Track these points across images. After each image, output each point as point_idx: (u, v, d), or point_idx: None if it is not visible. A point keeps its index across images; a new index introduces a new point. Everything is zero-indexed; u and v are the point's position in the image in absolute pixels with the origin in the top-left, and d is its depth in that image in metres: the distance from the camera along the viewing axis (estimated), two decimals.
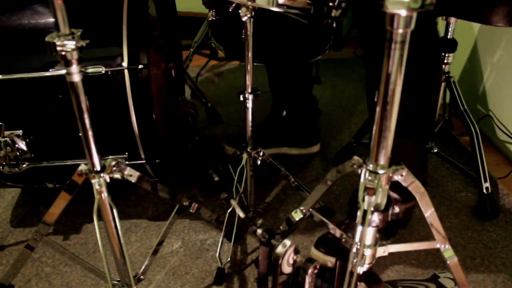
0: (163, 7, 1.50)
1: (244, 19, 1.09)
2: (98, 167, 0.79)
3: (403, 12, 0.54)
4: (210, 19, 1.72)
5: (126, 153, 1.23)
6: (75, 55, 0.67)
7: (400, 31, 0.56)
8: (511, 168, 1.66)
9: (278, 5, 0.94)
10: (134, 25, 1.14)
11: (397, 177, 0.70)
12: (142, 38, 1.15)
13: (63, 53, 0.66)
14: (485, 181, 1.45)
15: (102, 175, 0.80)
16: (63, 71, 0.69)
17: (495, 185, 1.57)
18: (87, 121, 0.74)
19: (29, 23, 1.14)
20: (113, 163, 0.83)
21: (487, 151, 1.61)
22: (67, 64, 0.67)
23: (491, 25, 1.07)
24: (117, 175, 0.85)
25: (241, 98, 1.22)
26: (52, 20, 1.13)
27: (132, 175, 0.91)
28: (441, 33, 1.53)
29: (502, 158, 1.78)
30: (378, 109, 0.63)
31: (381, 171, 0.67)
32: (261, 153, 1.33)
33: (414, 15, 0.55)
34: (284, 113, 1.65)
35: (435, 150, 1.72)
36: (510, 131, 1.75)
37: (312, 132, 1.72)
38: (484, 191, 1.44)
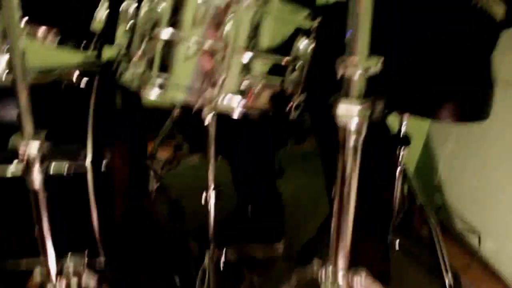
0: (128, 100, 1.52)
1: (206, 119, 1.12)
2: (53, 272, 0.76)
3: (355, 121, 0.58)
4: (175, 115, 1.77)
5: (86, 250, 1.19)
6: (37, 158, 0.68)
7: (353, 138, 0.60)
8: (471, 258, 1.68)
9: (238, 112, 0.96)
10: (99, 121, 1.15)
11: (356, 280, 0.70)
12: (107, 134, 1.17)
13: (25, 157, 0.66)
14: (447, 273, 1.45)
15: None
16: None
17: (457, 278, 1.56)
18: (45, 224, 0.72)
19: None
20: (71, 267, 0.80)
21: (447, 241, 1.63)
22: (29, 168, 0.67)
23: (440, 120, 1.13)
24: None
25: (203, 198, 1.21)
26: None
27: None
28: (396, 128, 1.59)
29: (461, 249, 1.79)
30: (335, 207, 0.65)
31: (340, 273, 0.68)
32: (223, 254, 1.30)
33: (365, 123, 0.59)
34: (249, 209, 1.64)
35: (396, 243, 1.71)
36: (468, 221, 1.79)
37: (276, 228, 1.71)
38: (447, 286, 1.44)
